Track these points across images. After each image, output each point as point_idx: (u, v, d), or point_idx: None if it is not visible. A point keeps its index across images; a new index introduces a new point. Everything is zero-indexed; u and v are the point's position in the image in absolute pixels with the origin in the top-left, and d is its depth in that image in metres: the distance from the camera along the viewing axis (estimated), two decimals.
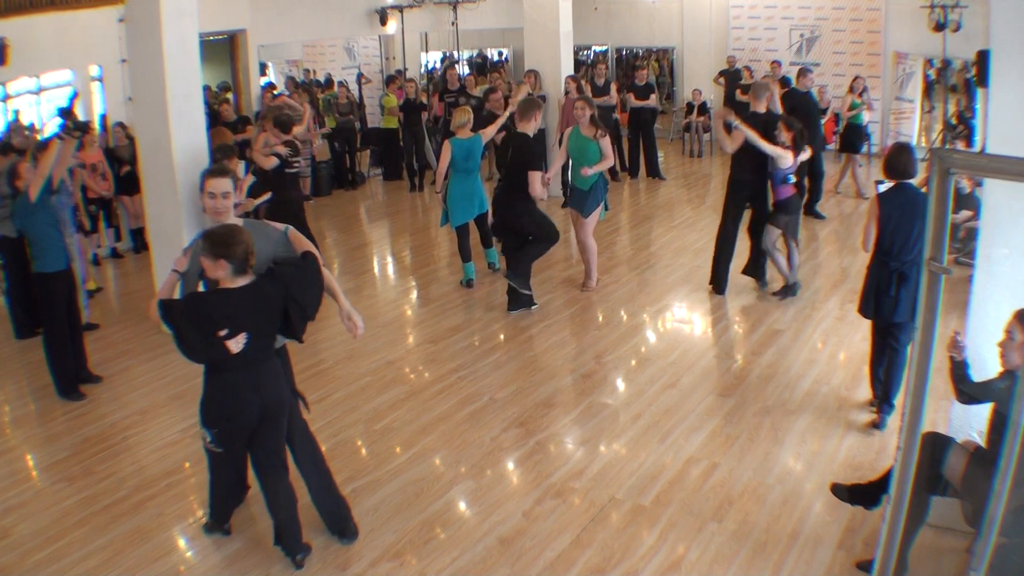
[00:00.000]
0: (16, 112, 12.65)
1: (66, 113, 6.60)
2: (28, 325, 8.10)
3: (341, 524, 4.86)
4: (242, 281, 4.19)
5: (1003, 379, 4.00)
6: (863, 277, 6.01)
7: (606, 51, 19.49)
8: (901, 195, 5.70)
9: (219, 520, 4.92)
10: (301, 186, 9.61)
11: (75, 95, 7.07)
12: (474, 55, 19.99)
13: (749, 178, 8.43)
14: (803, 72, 12.19)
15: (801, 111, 10.66)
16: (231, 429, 4.37)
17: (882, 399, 6.03)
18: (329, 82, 17.01)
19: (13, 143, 8.80)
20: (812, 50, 16.47)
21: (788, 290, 8.54)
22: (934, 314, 2.82)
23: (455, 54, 18.17)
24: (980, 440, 4.30)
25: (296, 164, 9.22)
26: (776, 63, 14.24)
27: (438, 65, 18.81)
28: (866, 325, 7.28)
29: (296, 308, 4.35)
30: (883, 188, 6.05)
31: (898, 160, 5.72)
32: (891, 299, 5.72)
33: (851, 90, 12.96)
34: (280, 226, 4.76)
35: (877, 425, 5.97)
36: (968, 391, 4.17)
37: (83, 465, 5.83)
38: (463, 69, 17.62)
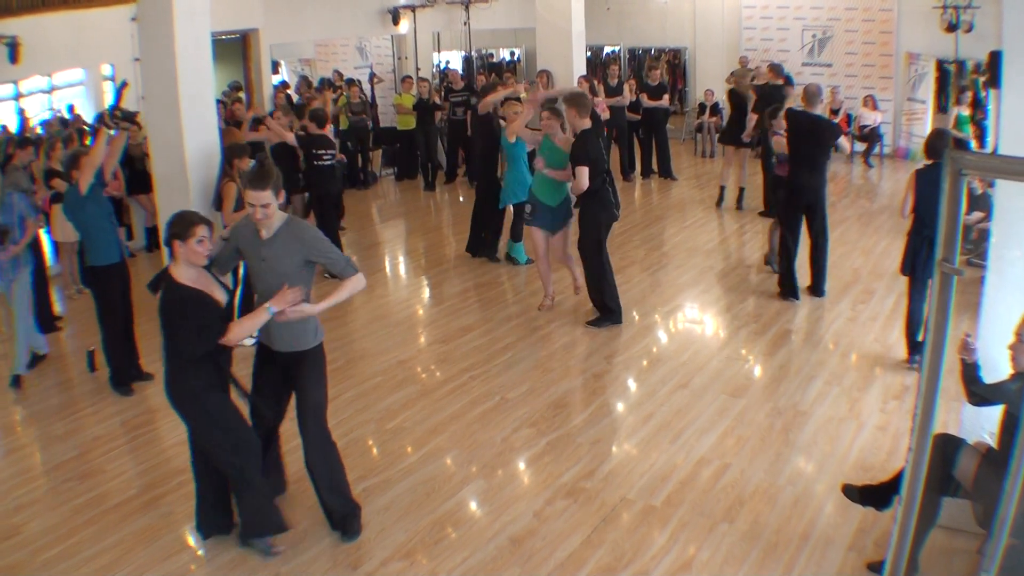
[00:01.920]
0: (71, 106, 12.78)
1: (116, 106, 6.65)
2: (49, 320, 8.18)
3: (343, 521, 4.87)
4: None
5: (1014, 381, 3.99)
6: (904, 242, 6.84)
7: (618, 51, 19.47)
8: (935, 172, 6.30)
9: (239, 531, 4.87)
10: (335, 182, 9.72)
11: (124, 84, 7.07)
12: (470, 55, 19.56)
13: (804, 183, 8.16)
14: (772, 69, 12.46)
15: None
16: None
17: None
18: (351, 82, 16.94)
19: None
20: (824, 50, 16.40)
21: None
22: (946, 315, 2.82)
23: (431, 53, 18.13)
24: (991, 441, 4.29)
25: (326, 158, 9.31)
26: (772, 64, 14.14)
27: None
28: (877, 326, 7.70)
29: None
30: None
31: (936, 142, 6.65)
32: (923, 261, 6.57)
33: (957, 102, 12.95)
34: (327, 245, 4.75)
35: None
36: (979, 393, 4.16)
37: (93, 463, 5.86)
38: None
